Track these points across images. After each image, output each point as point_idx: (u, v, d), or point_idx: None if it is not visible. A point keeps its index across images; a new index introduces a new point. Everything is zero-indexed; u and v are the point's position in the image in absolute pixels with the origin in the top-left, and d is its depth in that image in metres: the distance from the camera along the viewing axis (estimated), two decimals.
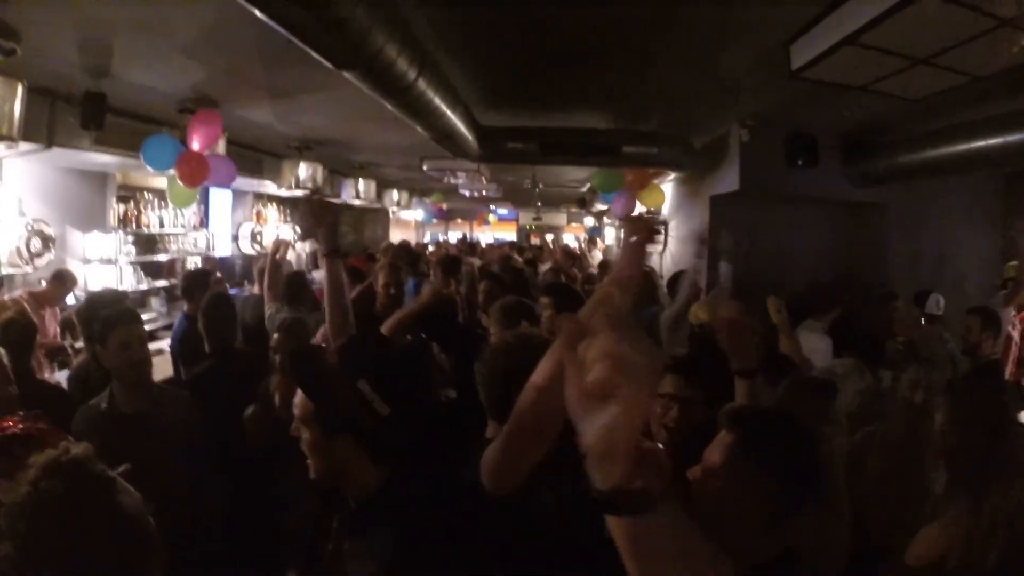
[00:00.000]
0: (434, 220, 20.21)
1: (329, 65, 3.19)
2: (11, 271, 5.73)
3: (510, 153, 6.71)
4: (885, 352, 4.11)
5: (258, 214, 10.88)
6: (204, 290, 4.43)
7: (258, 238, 10.35)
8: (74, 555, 1.27)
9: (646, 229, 1.85)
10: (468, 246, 12.45)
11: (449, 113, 4.73)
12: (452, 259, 5.41)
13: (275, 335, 3.45)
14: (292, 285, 4.61)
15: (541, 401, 1.34)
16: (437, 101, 4.33)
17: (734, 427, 1.48)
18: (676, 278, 5.60)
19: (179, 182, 5.81)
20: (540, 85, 5.30)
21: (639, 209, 8.32)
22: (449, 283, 4.63)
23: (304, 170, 8.41)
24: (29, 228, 5.85)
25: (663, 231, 8.65)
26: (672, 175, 8.06)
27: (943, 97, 3.87)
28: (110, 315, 2.97)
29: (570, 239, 19.23)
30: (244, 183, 8.62)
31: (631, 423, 0.73)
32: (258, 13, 2.56)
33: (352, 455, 1.52)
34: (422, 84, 3.88)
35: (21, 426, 1.87)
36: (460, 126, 5.23)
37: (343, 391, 1.46)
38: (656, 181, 8.37)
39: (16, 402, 2.55)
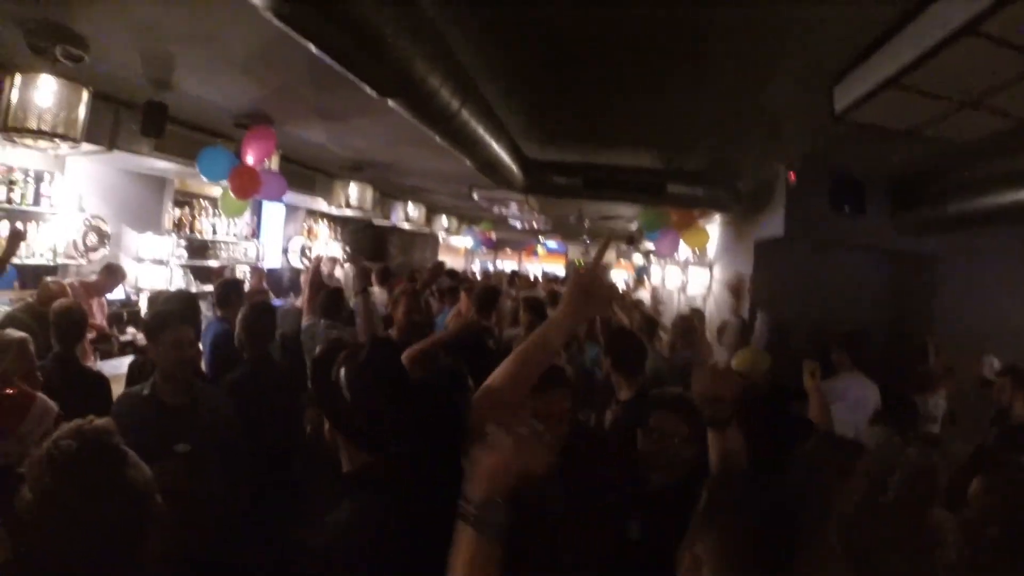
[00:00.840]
0: (483, 249, 20.36)
1: (372, 92, 3.29)
2: (66, 262, 5.99)
3: (554, 187, 6.75)
4: (917, 411, 4.00)
5: (309, 230, 11.15)
6: (239, 296, 4.55)
7: (308, 252, 10.59)
8: (77, 510, 1.43)
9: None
10: (511, 278, 12.46)
11: (493, 144, 4.77)
12: (490, 291, 5.05)
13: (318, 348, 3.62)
14: (330, 299, 4.68)
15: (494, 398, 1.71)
16: (480, 131, 4.36)
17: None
18: (724, 328, 5.54)
19: (231, 194, 6.00)
20: (585, 121, 5.33)
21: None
22: (488, 317, 4.61)
23: (354, 191, 8.60)
24: (87, 223, 6.14)
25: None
26: (718, 216, 7.98)
27: (995, 141, 3.75)
28: (164, 313, 3.23)
29: (618, 276, 19.15)
30: (296, 199, 8.86)
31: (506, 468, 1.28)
32: (300, 40, 2.65)
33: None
34: (465, 115, 3.92)
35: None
36: (504, 157, 5.28)
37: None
38: (702, 221, 8.30)
39: (38, 383, 2.68)
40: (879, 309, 6.48)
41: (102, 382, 3.60)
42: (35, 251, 5.74)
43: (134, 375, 3.91)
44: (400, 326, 4.05)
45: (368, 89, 3.23)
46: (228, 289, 4.75)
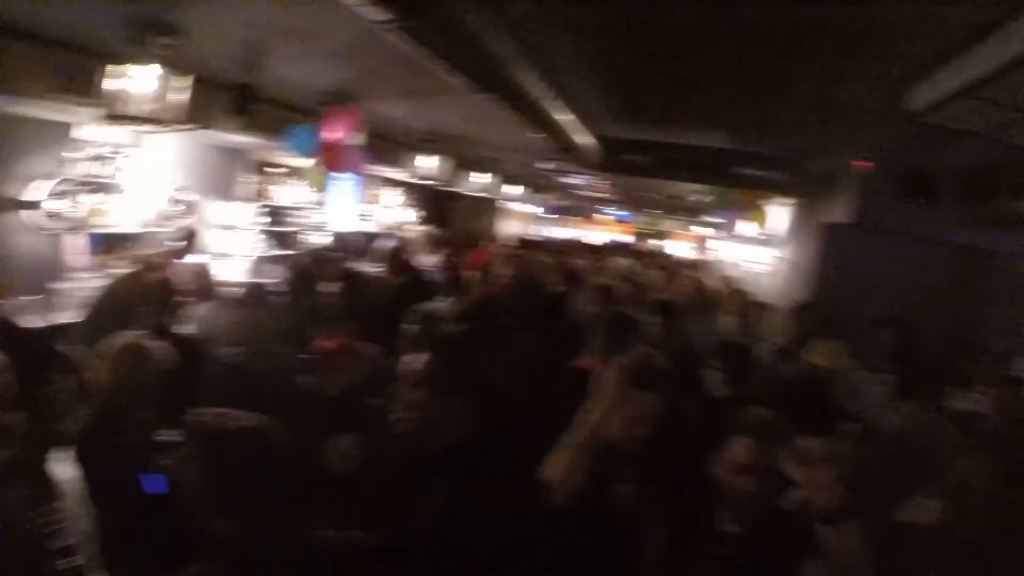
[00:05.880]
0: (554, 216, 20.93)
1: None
2: (152, 230, 6.36)
3: (629, 165, 6.99)
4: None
5: (376, 196, 11.51)
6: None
7: (377, 218, 11.03)
8: None
9: None
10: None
11: (576, 126, 5.02)
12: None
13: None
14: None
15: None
16: (564, 117, 4.64)
17: None
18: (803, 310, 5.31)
19: (319, 168, 6.34)
20: (664, 102, 5.42)
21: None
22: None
23: (429, 161, 8.82)
24: (173, 194, 6.75)
25: None
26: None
27: None
28: None
29: (680, 248, 19.13)
30: (373, 168, 9.13)
31: None
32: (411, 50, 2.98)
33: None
34: (552, 102, 4.21)
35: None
36: (583, 138, 5.46)
37: None
38: (762, 202, 8.33)
39: None
40: (938, 302, 6.26)
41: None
42: (119, 220, 6.11)
43: None
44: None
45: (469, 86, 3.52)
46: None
